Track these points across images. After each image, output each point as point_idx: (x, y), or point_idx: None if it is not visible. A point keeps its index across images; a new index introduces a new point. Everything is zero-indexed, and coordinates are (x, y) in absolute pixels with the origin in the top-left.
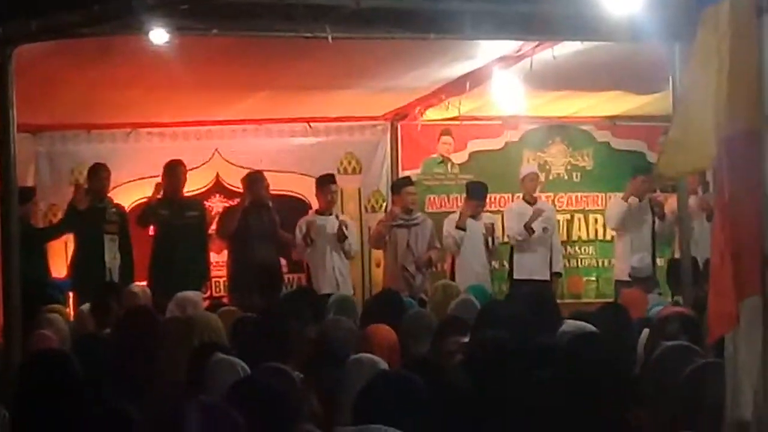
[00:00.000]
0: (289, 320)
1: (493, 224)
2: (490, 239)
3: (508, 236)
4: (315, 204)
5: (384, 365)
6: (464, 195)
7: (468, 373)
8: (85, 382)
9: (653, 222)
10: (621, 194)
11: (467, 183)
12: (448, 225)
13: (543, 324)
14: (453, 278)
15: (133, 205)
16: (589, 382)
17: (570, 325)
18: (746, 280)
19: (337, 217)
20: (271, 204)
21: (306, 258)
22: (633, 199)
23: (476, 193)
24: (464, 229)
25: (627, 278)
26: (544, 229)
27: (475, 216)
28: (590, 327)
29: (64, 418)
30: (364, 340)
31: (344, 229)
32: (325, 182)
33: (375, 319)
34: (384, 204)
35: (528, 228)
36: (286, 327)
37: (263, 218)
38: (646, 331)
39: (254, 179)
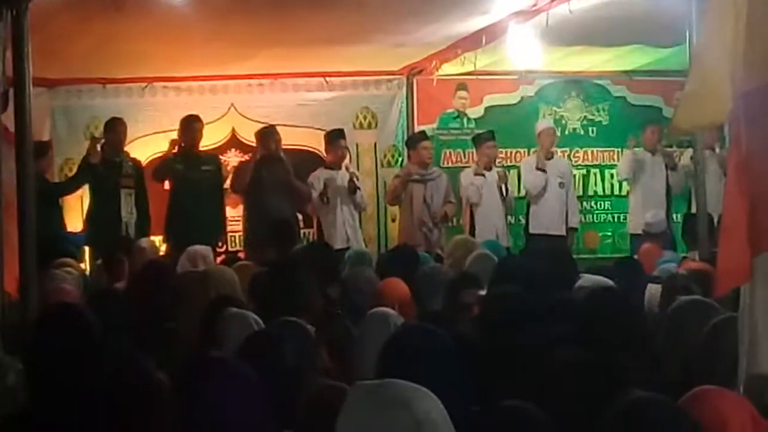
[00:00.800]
0: (306, 274)
1: (505, 172)
2: (503, 187)
3: (524, 189)
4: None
5: (399, 319)
6: None
7: (482, 327)
8: (100, 336)
9: (667, 176)
10: (636, 149)
11: (473, 137)
12: (465, 177)
13: (559, 279)
14: (473, 232)
15: (150, 159)
16: (605, 336)
17: (587, 279)
18: (762, 234)
19: (347, 169)
20: (283, 156)
21: (317, 212)
22: (644, 153)
23: (484, 136)
24: (483, 175)
25: (640, 232)
26: (560, 184)
27: (490, 161)
28: (607, 281)
29: (80, 372)
30: (377, 293)
31: (355, 180)
32: (335, 137)
33: (390, 273)
34: (400, 159)
35: (540, 168)
36: (302, 281)
37: (277, 172)
38: (654, 287)
39: (266, 133)
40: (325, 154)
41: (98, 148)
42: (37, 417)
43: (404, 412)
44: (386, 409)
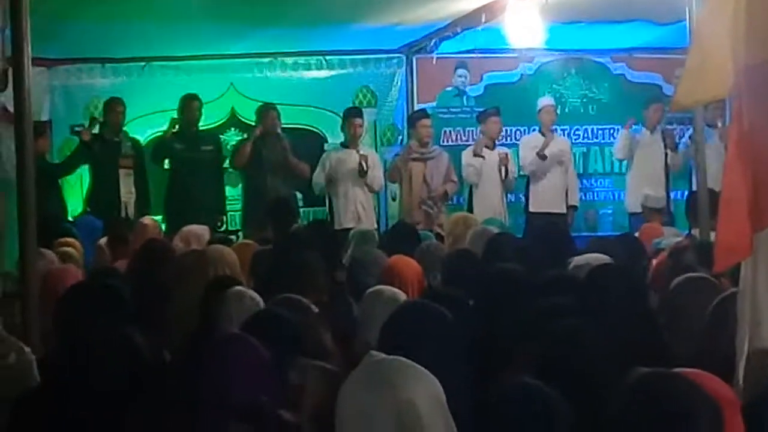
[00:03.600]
0: (310, 253)
1: (507, 154)
2: (503, 169)
3: (522, 166)
4: (330, 137)
5: (403, 297)
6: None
7: (477, 304)
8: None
9: (665, 154)
10: (634, 127)
11: (478, 113)
12: (466, 156)
13: (556, 257)
14: (471, 211)
15: (149, 139)
16: (606, 311)
17: (582, 258)
18: (765, 209)
19: (357, 151)
20: (281, 134)
21: (328, 191)
22: (644, 131)
23: (489, 111)
24: (483, 156)
25: (639, 210)
26: (560, 162)
27: (494, 137)
28: (605, 258)
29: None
30: (388, 270)
31: (364, 164)
32: (350, 115)
33: (390, 252)
34: (399, 137)
35: (540, 155)
36: (303, 259)
37: (276, 149)
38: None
39: (264, 110)
40: (324, 133)
41: (88, 127)
42: (50, 397)
43: (389, 392)
44: (375, 387)
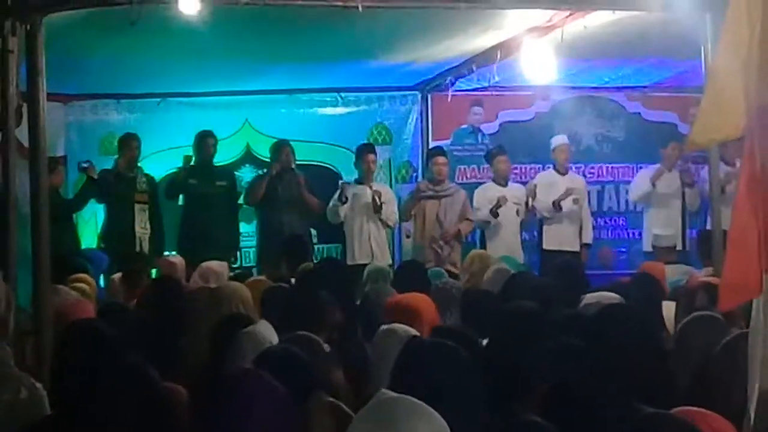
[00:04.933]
0: (319, 290)
1: (532, 187)
2: (521, 209)
3: (535, 207)
4: (345, 174)
5: (415, 334)
6: None
7: (493, 343)
8: (120, 354)
9: (683, 193)
10: (651, 166)
11: (485, 154)
12: (480, 198)
13: (569, 295)
14: (484, 248)
15: (164, 175)
16: (616, 353)
17: (598, 296)
18: None
19: (370, 187)
20: (296, 170)
21: (343, 227)
22: (661, 169)
23: (494, 151)
24: (497, 216)
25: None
26: (575, 200)
27: (504, 175)
28: (616, 297)
29: (97, 385)
30: (400, 308)
31: (377, 199)
32: (363, 151)
33: (400, 290)
34: (414, 175)
35: (556, 205)
36: (316, 297)
37: (291, 185)
38: (669, 303)
39: (278, 146)
40: (338, 170)
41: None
42: (57, 428)
43: (396, 431)
44: (382, 425)
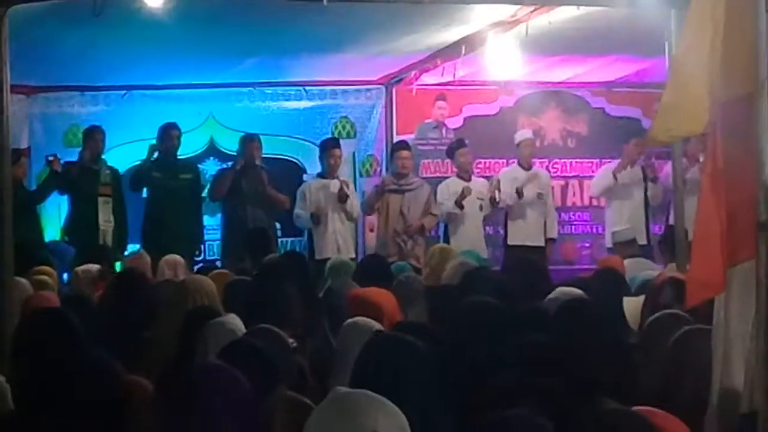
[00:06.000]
0: (283, 284)
1: (494, 183)
2: (483, 203)
3: (499, 200)
4: (309, 168)
5: (379, 328)
6: None
7: (454, 338)
8: (81, 341)
9: (645, 188)
10: (614, 161)
11: (446, 149)
12: (443, 193)
13: (531, 291)
14: (448, 242)
15: (128, 167)
16: (576, 348)
17: (559, 291)
18: (739, 245)
19: (337, 177)
20: (259, 163)
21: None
22: (623, 166)
23: (457, 144)
24: (462, 207)
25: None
26: (539, 195)
27: (467, 169)
28: (579, 293)
29: (59, 377)
30: (362, 302)
31: (345, 188)
32: (329, 146)
33: (361, 284)
34: (379, 169)
35: (519, 191)
36: (279, 290)
37: (255, 180)
38: (631, 300)
39: (246, 140)
40: (303, 163)
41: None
42: (20, 421)
43: (354, 423)
44: (340, 418)
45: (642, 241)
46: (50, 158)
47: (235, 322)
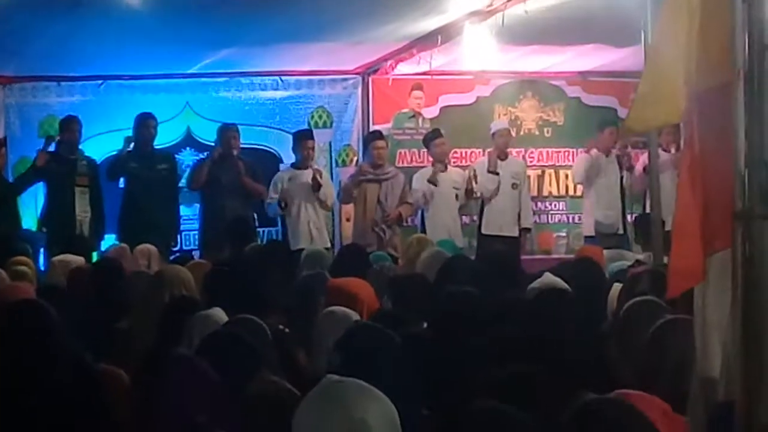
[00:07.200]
0: (262, 273)
1: (470, 173)
2: (459, 193)
3: (475, 190)
4: (285, 158)
5: (356, 318)
6: None
7: (429, 328)
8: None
9: (621, 177)
10: (593, 152)
11: (423, 138)
12: (418, 180)
13: (506, 280)
14: (423, 232)
15: (104, 157)
16: (554, 337)
17: (539, 281)
18: (716, 234)
19: (311, 167)
20: (236, 153)
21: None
22: (598, 154)
23: (433, 134)
24: (435, 184)
25: (594, 234)
26: (513, 185)
27: (442, 158)
28: (558, 282)
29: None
30: (339, 292)
31: (318, 177)
32: (302, 137)
33: (339, 274)
34: (355, 158)
35: (492, 171)
36: (258, 279)
37: (232, 170)
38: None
39: (223, 130)
40: (280, 153)
41: (49, 149)
42: None
43: (343, 412)
44: (329, 406)
45: (619, 230)
46: (39, 152)
47: (219, 314)
